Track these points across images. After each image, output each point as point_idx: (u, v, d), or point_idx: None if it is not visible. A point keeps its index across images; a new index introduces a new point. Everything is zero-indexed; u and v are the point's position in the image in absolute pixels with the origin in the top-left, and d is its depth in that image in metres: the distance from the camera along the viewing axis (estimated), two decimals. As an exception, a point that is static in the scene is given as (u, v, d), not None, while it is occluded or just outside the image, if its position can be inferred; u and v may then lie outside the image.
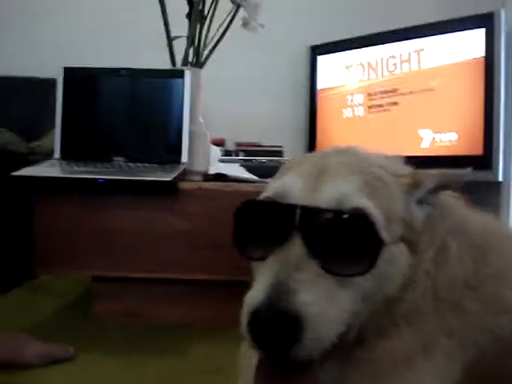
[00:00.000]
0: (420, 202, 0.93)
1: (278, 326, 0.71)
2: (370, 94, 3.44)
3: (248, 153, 3.45)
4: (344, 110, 3.54)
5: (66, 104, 1.91)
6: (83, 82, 1.94)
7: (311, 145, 3.69)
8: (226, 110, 3.53)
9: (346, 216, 0.81)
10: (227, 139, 3.59)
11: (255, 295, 0.75)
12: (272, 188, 0.88)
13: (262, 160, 3.18)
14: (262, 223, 0.84)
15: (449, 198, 1.03)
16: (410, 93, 3.32)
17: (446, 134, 3.17)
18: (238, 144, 3.58)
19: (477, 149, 3.17)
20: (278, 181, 0.90)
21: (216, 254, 1.70)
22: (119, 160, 1.86)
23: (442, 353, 0.92)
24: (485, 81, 3.17)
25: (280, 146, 3.54)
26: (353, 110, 3.49)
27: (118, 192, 1.71)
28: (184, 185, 1.76)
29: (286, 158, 3.44)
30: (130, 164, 1.83)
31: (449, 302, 0.94)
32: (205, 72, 2.02)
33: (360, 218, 0.81)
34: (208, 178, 2.00)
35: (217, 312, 1.75)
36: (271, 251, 0.80)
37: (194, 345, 1.63)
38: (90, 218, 1.75)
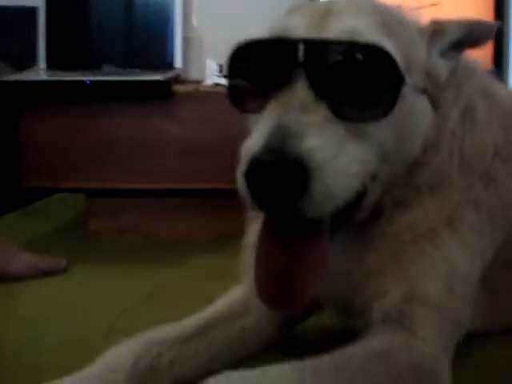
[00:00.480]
0: (443, 53, 0.81)
1: (280, 174, 0.58)
2: (373, 12, 3.29)
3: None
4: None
5: (49, 8, 1.77)
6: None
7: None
8: (221, 35, 3.36)
9: (359, 49, 0.68)
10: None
11: (254, 142, 0.63)
12: (271, 29, 0.75)
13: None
14: (260, 66, 0.71)
15: (473, 60, 0.91)
16: (416, 8, 3.16)
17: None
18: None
19: (486, 63, 3.04)
20: (278, 22, 0.76)
21: (216, 161, 1.59)
22: (109, 67, 1.73)
23: (470, 227, 0.81)
24: (495, -8, 3.02)
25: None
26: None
27: (107, 96, 1.58)
28: (179, 88, 1.64)
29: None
30: (120, 70, 1.70)
31: (477, 171, 0.83)
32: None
33: (376, 52, 0.68)
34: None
35: (219, 224, 1.64)
36: (272, 97, 0.67)
37: (193, 256, 1.54)
38: (80, 127, 1.63)
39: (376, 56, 0.68)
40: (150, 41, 1.79)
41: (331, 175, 0.62)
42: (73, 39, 1.80)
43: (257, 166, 0.60)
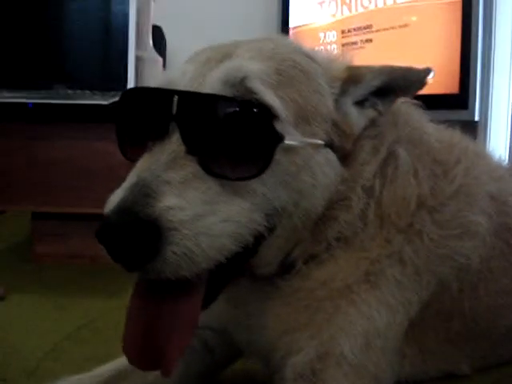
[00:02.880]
0: (360, 102, 0.77)
1: (129, 235, 0.56)
2: (343, 31, 3.28)
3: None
4: (316, 48, 3.37)
5: (-1, 25, 1.73)
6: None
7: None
8: (190, 48, 3.35)
9: (231, 103, 0.64)
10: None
11: (114, 197, 0.60)
12: (162, 76, 0.73)
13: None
14: (141, 115, 0.68)
15: (406, 105, 0.87)
16: (385, 29, 3.17)
17: (420, 71, 3.05)
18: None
19: (453, 87, 3.04)
20: (172, 71, 0.73)
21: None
22: (60, 87, 1.70)
23: (391, 283, 0.78)
24: (462, 17, 3.01)
25: (249, 87, 3.40)
26: (325, 49, 3.33)
27: (51, 119, 1.55)
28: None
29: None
30: (70, 91, 1.67)
31: (397, 224, 0.79)
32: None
33: (250, 106, 0.65)
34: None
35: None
36: (147, 149, 0.64)
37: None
38: (25, 149, 1.59)
39: (249, 110, 0.64)
40: (102, 61, 1.77)
41: (190, 236, 0.58)
42: (22, 56, 1.76)
43: (106, 225, 0.57)
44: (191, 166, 0.62)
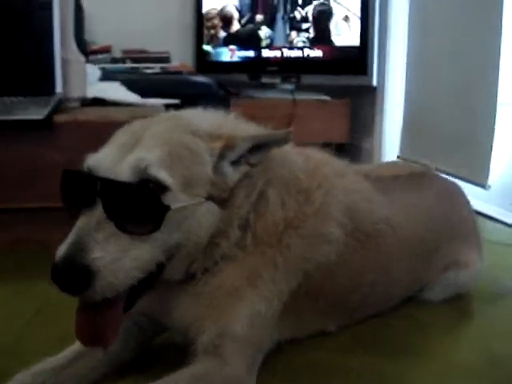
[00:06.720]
0: (236, 162, 1.07)
1: (71, 276, 0.87)
2: None
3: (135, 60, 3.47)
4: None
5: None
6: None
7: (199, 50, 3.73)
8: (109, 15, 3.50)
9: (133, 186, 0.95)
10: (114, 46, 3.58)
11: (59, 249, 0.90)
12: (90, 160, 1.01)
13: (147, 70, 3.24)
14: (76, 189, 0.98)
15: (284, 149, 1.16)
16: None
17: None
18: (125, 51, 3.57)
19: (352, 53, 3.31)
20: (98, 153, 1.02)
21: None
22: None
23: (267, 282, 1.12)
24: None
25: (167, 52, 3.58)
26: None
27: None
28: (59, 118, 1.81)
29: (173, 65, 3.49)
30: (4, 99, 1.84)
31: (268, 242, 1.12)
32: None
33: (146, 188, 0.96)
34: (85, 103, 2.05)
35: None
36: (83, 213, 0.94)
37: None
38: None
39: (145, 191, 0.96)
40: (29, 66, 1.91)
41: (111, 274, 0.90)
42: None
43: (55, 269, 0.88)
44: (111, 228, 0.92)
